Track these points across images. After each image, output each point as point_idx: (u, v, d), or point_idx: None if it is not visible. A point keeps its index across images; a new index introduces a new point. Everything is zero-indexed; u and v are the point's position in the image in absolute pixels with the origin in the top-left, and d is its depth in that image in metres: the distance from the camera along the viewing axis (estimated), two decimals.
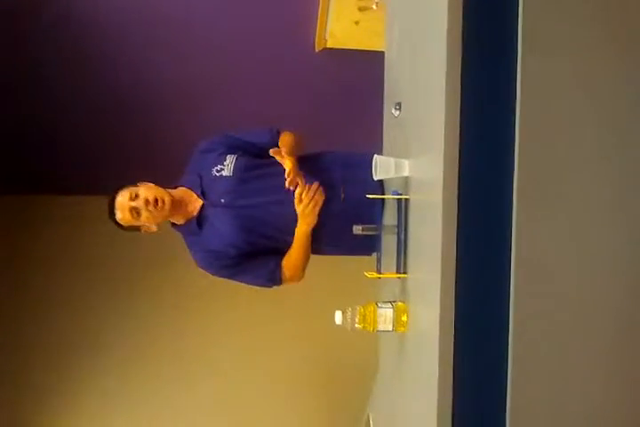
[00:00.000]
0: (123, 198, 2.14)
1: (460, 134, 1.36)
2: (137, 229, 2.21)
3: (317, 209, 2.14)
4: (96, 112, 3.75)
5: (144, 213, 2.13)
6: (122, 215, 2.15)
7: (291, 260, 2.23)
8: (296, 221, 2.18)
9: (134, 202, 2.13)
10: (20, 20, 3.38)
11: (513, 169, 1.34)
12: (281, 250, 2.25)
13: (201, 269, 2.30)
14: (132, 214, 2.14)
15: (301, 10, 3.51)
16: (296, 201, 2.12)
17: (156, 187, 2.18)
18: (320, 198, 2.13)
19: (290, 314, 3.85)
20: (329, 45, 3.52)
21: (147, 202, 2.12)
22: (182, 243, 2.32)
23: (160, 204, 2.13)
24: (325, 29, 3.49)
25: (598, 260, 1.36)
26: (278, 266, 2.24)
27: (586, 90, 1.35)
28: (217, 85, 3.71)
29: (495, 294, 1.35)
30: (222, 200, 2.20)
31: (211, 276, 2.31)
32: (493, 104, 1.37)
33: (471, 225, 1.37)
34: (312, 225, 2.16)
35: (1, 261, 3.83)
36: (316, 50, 3.59)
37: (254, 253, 2.24)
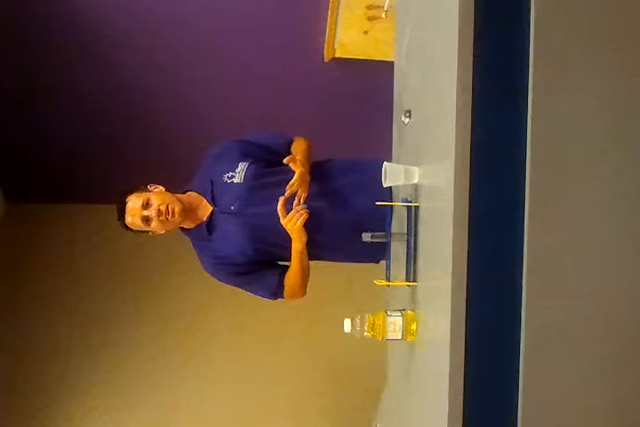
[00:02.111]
0: (134, 205, 2.14)
1: (471, 141, 1.36)
2: (145, 232, 2.21)
3: (301, 224, 2.10)
4: (107, 120, 3.76)
5: (155, 222, 2.14)
6: (132, 221, 2.16)
7: (290, 279, 2.23)
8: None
9: (146, 211, 2.13)
10: (28, 30, 3.40)
11: (525, 176, 1.34)
12: (289, 260, 2.24)
13: (207, 274, 2.30)
14: (142, 222, 2.15)
15: (310, 20, 3.52)
16: (281, 216, 2.09)
17: (168, 194, 2.18)
18: (304, 214, 2.10)
19: (298, 322, 3.84)
20: (338, 55, 3.53)
21: (159, 212, 2.12)
22: (189, 249, 2.32)
23: (171, 215, 2.13)
24: (334, 39, 3.49)
25: (613, 268, 1.35)
26: (284, 279, 2.24)
27: (596, 97, 1.35)
28: (226, 95, 3.72)
29: (507, 302, 1.34)
30: (232, 207, 2.20)
31: (216, 282, 2.31)
32: (505, 111, 1.37)
33: (482, 233, 1.36)
34: (303, 241, 2.13)
35: (10, 268, 3.85)
36: (326, 60, 3.59)
37: (262, 262, 2.24)
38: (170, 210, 2.13)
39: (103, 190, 3.73)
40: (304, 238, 2.13)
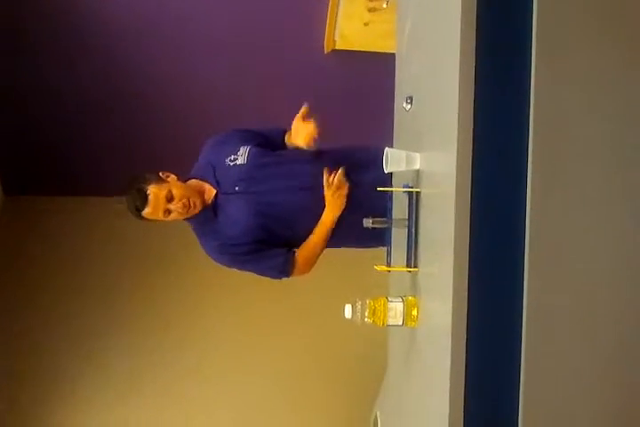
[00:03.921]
0: (157, 197, 2.14)
1: (474, 127, 1.35)
2: (153, 221, 2.22)
3: (345, 193, 2.17)
4: (105, 114, 3.75)
5: (174, 214, 2.17)
6: (152, 211, 2.15)
7: (308, 247, 2.23)
8: (310, 207, 2.19)
9: (171, 204, 2.15)
10: (27, 23, 3.38)
11: (526, 161, 1.33)
12: (294, 239, 2.26)
13: (212, 260, 2.30)
14: (163, 213, 2.16)
15: (311, 11, 3.51)
16: (326, 185, 2.16)
17: (184, 186, 2.21)
18: (346, 184, 2.18)
19: (298, 308, 3.84)
20: (338, 47, 3.53)
21: (184, 205, 2.15)
22: (189, 243, 2.32)
23: (192, 208, 2.17)
24: (335, 31, 3.49)
25: (615, 253, 1.34)
26: (291, 257, 2.24)
27: (599, 86, 1.35)
28: (225, 86, 3.71)
29: (508, 287, 1.34)
30: (237, 188, 2.22)
31: (217, 271, 2.31)
32: (507, 96, 1.36)
33: (484, 218, 1.35)
34: (340, 210, 2.19)
35: (6, 260, 3.83)
36: (326, 51, 3.58)
37: (267, 242, 2.24)
38: (192, 203, 2.16)
39: (100, 183, 3.75)
40: (340, 211, 2.18)
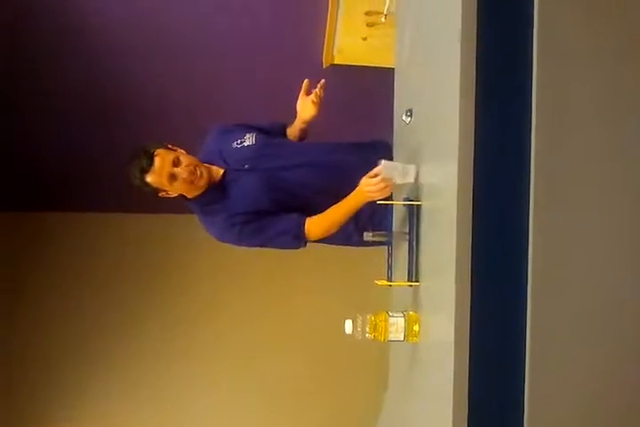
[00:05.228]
0: (163, 162, 2.07)
1: (475, 139, 1.34)
2: (156, 190, 2.13)
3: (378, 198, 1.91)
4: (101, 129, 3.73)
5: (179, 182, 2.09)
6: (156, 178, 2.07)
7: (323, 213, 2.11)
8: (320, 187, 2.16)
9: (178, 168, 2.08)
10: (22, 34, 3.39)
11: (529, 174, 1.33)
12: (307, 209, 2.16)
13: (221, 241, 2.21)
14: (168, 180, 2.08)
15: (309, 26, 3.51)
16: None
17: (192, 157, 2.15)
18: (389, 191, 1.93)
19: (298, 324, 3.73)
20: (337, 62, 3.52)
21: (191, 172, 2.08)
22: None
23: (199, 177, 2.10)
24: (333, 45, 3.49)
25: (618, 269, 1.33)
26: (302, 220, 2.12)
27: (601, 95, 1.34)
28: (223, 102, 3.70)
29: (511, 302, 1.32)
30: (246, 166, 2.20)
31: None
32: (508, 109, 1.36)
33: (486, 231, 1.34)
34: (367, 200, 1.97)
35: (3, 274, 3.82)
36: (324, 66, 3.58)
37: (277, 212, 2.16)
38: (199, 172, 2.10)
39: (96, 199, 3.73)
40: (360, 202, 2.00)
